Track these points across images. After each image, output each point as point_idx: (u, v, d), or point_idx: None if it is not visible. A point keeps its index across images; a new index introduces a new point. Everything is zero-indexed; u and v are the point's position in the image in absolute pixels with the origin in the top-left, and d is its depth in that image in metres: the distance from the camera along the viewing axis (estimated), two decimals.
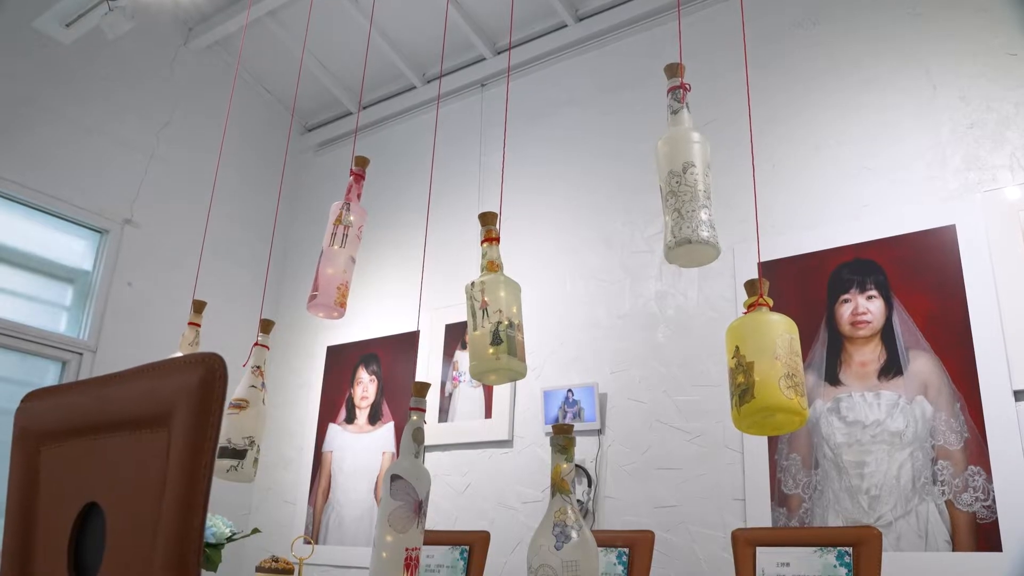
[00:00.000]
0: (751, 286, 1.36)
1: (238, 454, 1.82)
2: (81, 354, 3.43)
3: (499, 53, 3.75)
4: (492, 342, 1.39)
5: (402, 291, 3.71)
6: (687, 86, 1.43)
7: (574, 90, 3.48)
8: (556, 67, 3.59)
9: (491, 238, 1.50)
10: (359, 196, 1.93)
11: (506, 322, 1.41)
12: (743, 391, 1.23)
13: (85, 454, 0.64)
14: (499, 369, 1.41)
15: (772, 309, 1.33)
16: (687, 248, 1.35)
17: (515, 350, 1.41)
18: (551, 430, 1.37)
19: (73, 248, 3.57)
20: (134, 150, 3.75)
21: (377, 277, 3.86)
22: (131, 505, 0.58)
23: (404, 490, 1.59)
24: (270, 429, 4.02)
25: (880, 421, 2.34)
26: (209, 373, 0.56)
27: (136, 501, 0.58)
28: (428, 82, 4.02)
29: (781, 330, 1.26)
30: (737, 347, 1.28)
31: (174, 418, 0.57)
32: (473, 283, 1.49)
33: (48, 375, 3.38)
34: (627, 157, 3.18)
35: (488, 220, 1.53)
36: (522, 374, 1.46)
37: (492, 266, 1.48)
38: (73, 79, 3.56)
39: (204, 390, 0.55)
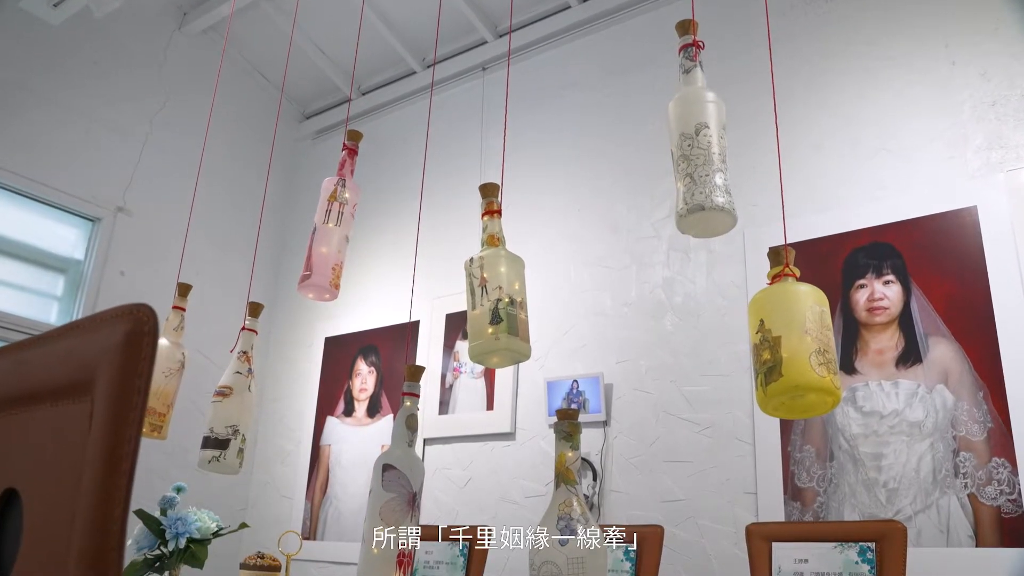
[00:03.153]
0: (775, 255, 1.24)
1: (221, 444, 1.71)
2: None
3: (501, 36, 3.65)
4: (491, 321, 1.28)
5: (402, 280, 3.61)
6: (700, 43, 1.33)
7: (578, 73, 3.38)
8: (559, 50, 3.49)
9: (492, 211, 1.40)
10: (352, 172, 1.83)
11: (507, 299, 1.30)
12: (769, 369, 1.11)
13: (5, 432, 0.54)
14: (500, 350, 1.29)
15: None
16: (701, 216, 1.23)
17: (517, 329, 1.30)
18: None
19: (64, 237, 3.48)
20: (127, 136, 3.65)
21: (376, 266, 3.77)
22: (49, 491, 0.49)
23: (397, 481, 1.49)
24: (267, 422, 3.93)
25: (898, 411, 2.24)
26: (136, 327, 0.46)
27: (55, 486, 0.48)
28: (428, 67, 3.92)
29: (811, 301, 1.15)
30: (762, 321, 1.16)
31: (96, 384, 0.47)
32: (472, 259, 1.38)
33: None
34: (632, 141, 3.08)
35: (489, 192, 1.43)
36: (525, 355, 1.35)
37: (493, 240, 1.37)
38: (64, 63, 3.47)
39: (129, 348, 0.46)
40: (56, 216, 3.44)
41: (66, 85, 3.46)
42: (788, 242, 2.51)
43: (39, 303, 3.37)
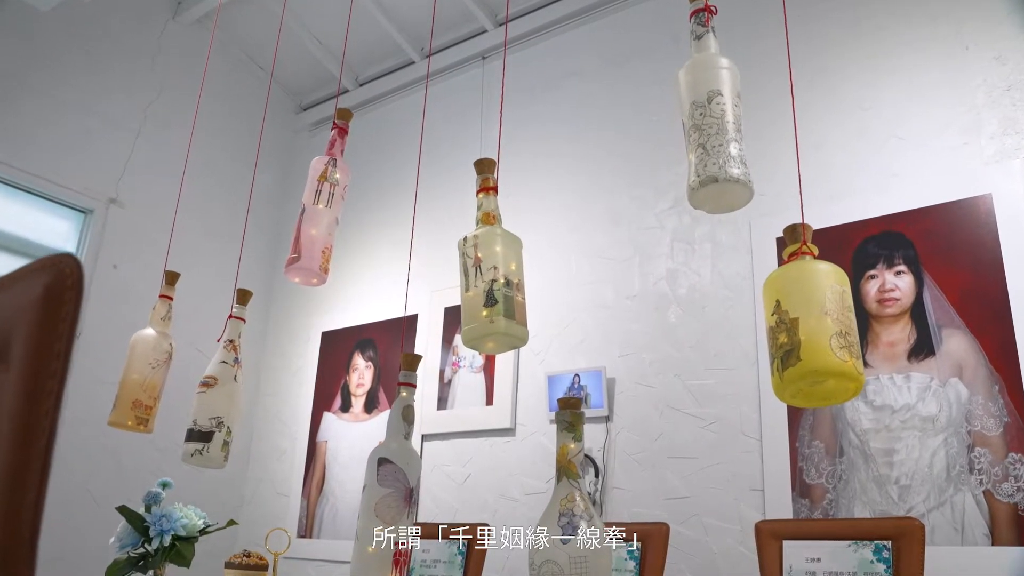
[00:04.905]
0: (792, 232, 1.16)
1: (204, 437, 1.64)
2: None
3: (500, 25, 3.57)
4: (486, 303, 1.20)
5: (399, 274, 3.53)
6: (713, 8, 1.26)
7: (578, 62, 3.31)
8: (560, 38, 3.41)
9: (487, 187, 1.32)
10: (342, 152, 1.76)
11: (503, 280, 1.22)
12: (786, 353, 1.03)
13: None
14: (495, 334, 1.20)
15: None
16: (714, 188, 1.15)
17: (513, 312, 1.22)
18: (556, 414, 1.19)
19: (56, 229, 3.40)
20: (120, 127, 3.58)
21: (374, 259, 3.69)
22: None
23: (393, 475, 1.42)
24: (262, 418, 3.86)
25: (911, 405, 2.16)
26: (56, 280, 0.39)
27: None
28: (427, 56, 3.84)
29: (831, 281, 1.07)
30: (778, 301, 1.07)
31: (12, 349, 0.40)
32: (466, 238, 1.31)
33: None
34: (635, 131, 3.00)
35: (484, 168, 1.35)
36: (523, 340, 1.26)
37: (488, 218, 1.29)
38: (56, 53, 3.40)
39: (48, 305, 0.39)
40: (47, 208, 3.37)
41: (58, 75, 3.39)
42: None
43: None
